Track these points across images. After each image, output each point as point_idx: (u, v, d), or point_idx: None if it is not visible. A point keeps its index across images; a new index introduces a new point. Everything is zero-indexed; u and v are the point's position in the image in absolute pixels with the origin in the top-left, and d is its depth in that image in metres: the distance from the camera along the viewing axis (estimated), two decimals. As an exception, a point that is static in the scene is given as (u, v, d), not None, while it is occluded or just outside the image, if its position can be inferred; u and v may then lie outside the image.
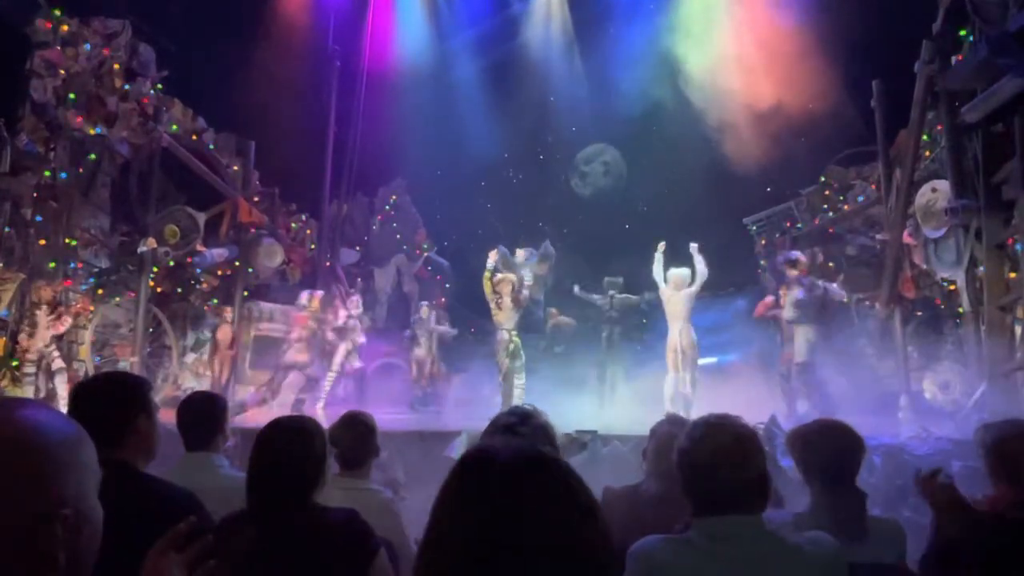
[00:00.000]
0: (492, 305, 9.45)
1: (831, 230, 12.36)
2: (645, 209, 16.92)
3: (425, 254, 16.08)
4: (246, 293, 12.42)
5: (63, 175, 9.68)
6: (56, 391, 8.97)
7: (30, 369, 9.07)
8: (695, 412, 6.59)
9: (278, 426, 2.15)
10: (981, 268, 8.34)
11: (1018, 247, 7.90)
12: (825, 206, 12.72)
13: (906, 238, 9.79)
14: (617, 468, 5.89)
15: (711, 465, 1.69)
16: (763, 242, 13.50)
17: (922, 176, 9.58)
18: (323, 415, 8.90)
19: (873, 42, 11.48)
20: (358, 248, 15.59)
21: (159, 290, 11.43)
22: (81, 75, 10.04)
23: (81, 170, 10.10)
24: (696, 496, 1.73)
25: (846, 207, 12.39)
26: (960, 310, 9.36)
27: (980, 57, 7.45)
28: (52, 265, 9.58)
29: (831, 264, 11.89)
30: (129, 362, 10.46)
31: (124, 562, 1.14)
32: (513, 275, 9.81)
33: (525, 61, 16.96)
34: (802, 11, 13.05)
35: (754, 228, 13.72)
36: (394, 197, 16.27)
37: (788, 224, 13.11)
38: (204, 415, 2.89)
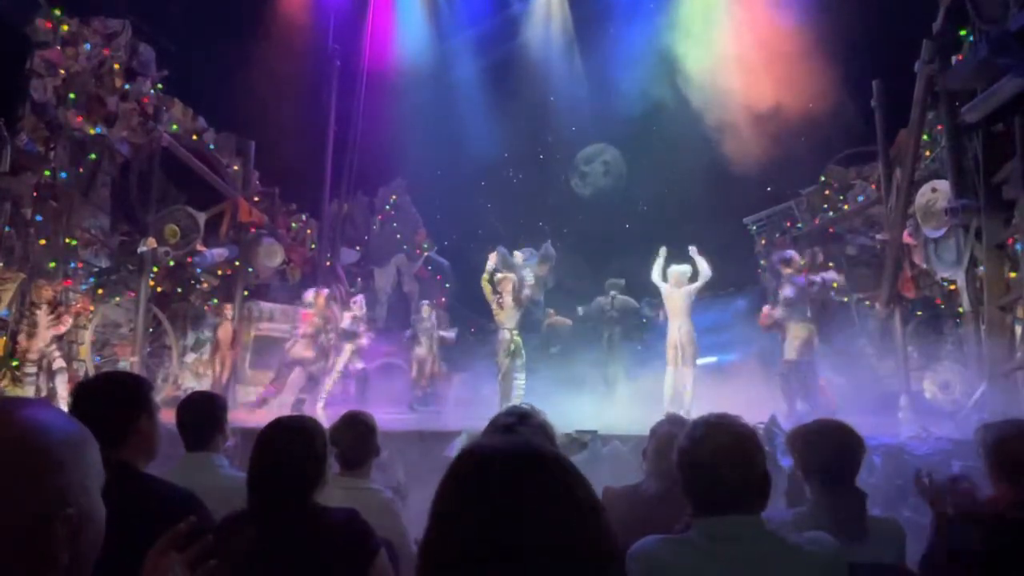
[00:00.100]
0: (493, 305, 9.52)
1: (831, 230, 12.36)
2: (645, 209, 16.92)
3: (425, 254, 16.08)
4: (246, 293, 12.42)
5: (63, 175, 9.69)
6: (56, 391, 8.97)
7: (31, 369, 9.08)
8: (695, 412, 6.58)
9: (279, 426, 2.15)
10: (981, 268, 8.34)
11: (1018, 247, 7.89)
12: (825, 206, 12.72)
13: (906, 238, 9.79)
14: (617, 468, 5.89)
15: (711, 465, 1.69)
16: (763, 242, 13.50)
17: (922, 176, 9.57)
18: (323, 415, 8.92)
19: (873, 42, 11.48)
20: (358, 248, 15.59)
21: (159, 290, 11.43)
22: (81, 75, 10.04)
23: (81, 170, 10.10)
24: (696, 496, 1.73)
25: (846, 207, 12.39)
26: (960, 310, 9.35)
27: (980, 57, 7.45)
28: (52, 265, 9.58)
29: (831, 264, 11.89)
30: (129, 362, 10.46)
31: (125, 562, 1.14)
32: (514, 274, 9.84)
33: (525, 61, 16.96)
34: (802, 11, 13.04)
35: (754, 228, 13.72)
36: (394, 197, 16.28)
37: (788, 224, 13.10)
38: (204, 415, 2.89)
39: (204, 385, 11.08)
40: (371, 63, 15.46)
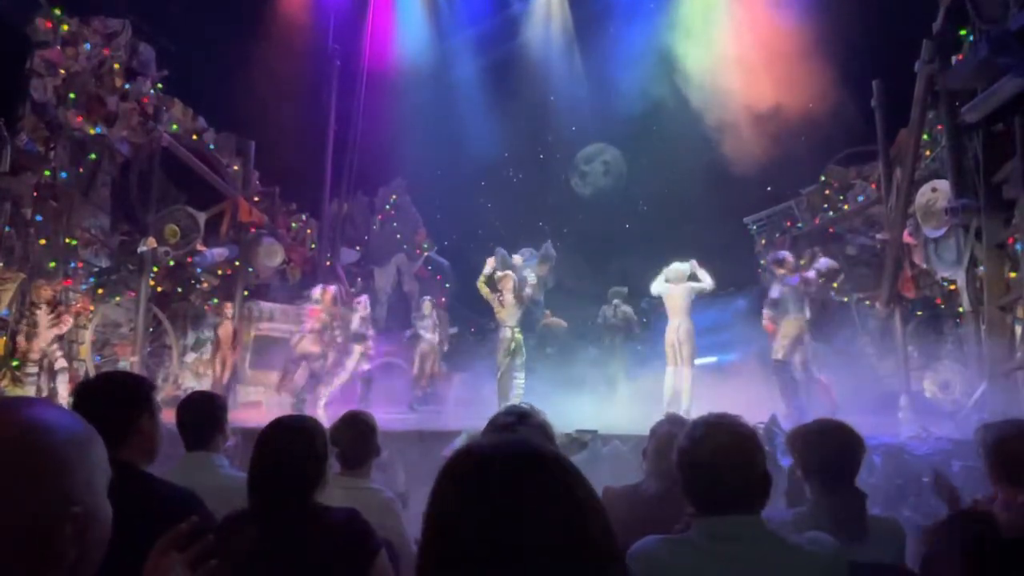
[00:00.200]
0: (495, 303, 9.59)
1: (831, 230, 12.36)
2: (645, 208, 16.93)
3: (425, 254, 16.08)
4: (246, 293, 12.42)
5: (63, 175, 9.69)
6: (58, 391, 8.98)
7: (32, 369, 9.08)
8: (695, 411, 6.58)
9: (279, 425, 2.15)
10: (981, 268, 8.34)
11: (1018, 247, 7.89)
12: (825, 205, 12.72)
13: (906, 238, 9.79)
14: (617, 468, 5.89)
15: (712, 465, 1.69)
16: (763, 242, 13.49)
17: (922, 175, 9.57)
18: (324, 415, 8.94)
19: (873, 42, 11.48)
20: (358, 248, 15.59)
21: (159, 290, 11.43)
22: (81, 75, 10.04)
23: (81, 170, 10.10)
24: (696, 496, 1.73)
25: (846, 207, 12.39)
26: (960, 310, 9.35)
27: (980, 56, 7.44)
28: (52, 265, 9.58)
29: (839, 270, 11.89)
30: (129, 362, 10.46)
31: (126, 561, 1.14)
32: (513, 272, 9.90)
33: (525, 61, 16.95)
34: (802, 11, 13.04)
35: (754, 228, 13.71)
36: (394, 197, 16.28)
37: (788, 224, 13.10)
38: (204, 415, 2.89)
39: (204, 385, 11.08)
40: (371, 63, 15.45)
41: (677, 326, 8.84)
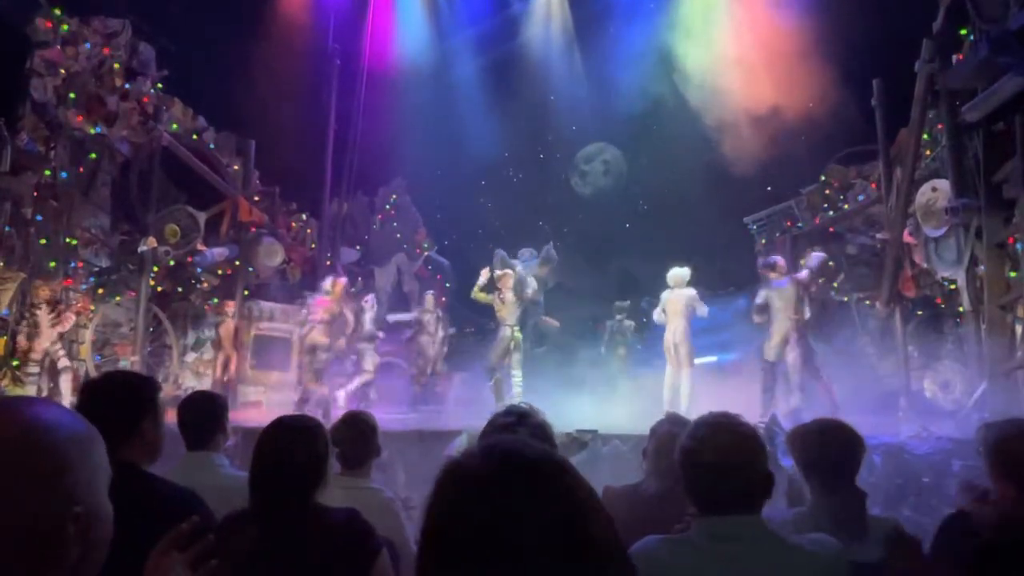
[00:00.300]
0: (495, 303, 9.69)
1: (831, 229, 12.35)
2: (645, 208, 16.93)
3: (425, 253, 16.08)
4: (246, 292, 12.42)
5: (63, 174, 9.69)
6: (60, 390, 8.99)
7: (34, 369, 9.09)
8: (695, 411, 6.58)
9: (280, 425, 2.15)
10: (981, 267, 8.34)
11: (1019, 246, 7.88)
12: (825, 205, 12.71)
13: (906, 237, 9.78)
14: (617, 467, 5.89)
15: (714, 464, 1.69)
16: (763, 241, 13.49)
17: (922, 175, 9.57)
18: (344, 403, 9.48)
19: (873, 42, 11.46)
20: (358, 247, 15.59)
21: (159, 289, 11.43)
22: (81, 74, 10.04)
23: (81, 169, 10.11)
24: (698, 496, 1.72)
25: (846, 206, 12.38)
26: (960, 309, 9.35)
27: (981, 56, 7.44)
28: (52, 264, 9.59)
29: (831, 263, 11.88)
30: (130, 361, 10.47)
31: (127, 561, 1.14)
32: (512, 271, 9.97)
33: (525, 60, 16.95)
34: (802, 11, 13.03)
35: (754, 227, 13.70)
36: (394, 196, 16.28)
37: (788, 223, 13.09)
38: (204, 414, 2.89)
39: (205, 384, 11.07)
40: (371, 63, 15.45)
41: (675, 328, 8.97)
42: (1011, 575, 1.88)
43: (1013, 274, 8.00)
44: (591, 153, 18.31)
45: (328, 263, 14.15)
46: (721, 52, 14.23)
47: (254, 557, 1.89)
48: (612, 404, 9.80)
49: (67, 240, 9.83)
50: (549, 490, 0.91)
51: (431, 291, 12.77)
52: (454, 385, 12.63)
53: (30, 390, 8.85)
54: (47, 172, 9.43)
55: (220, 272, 12.24)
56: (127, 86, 10.82)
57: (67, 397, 8.84)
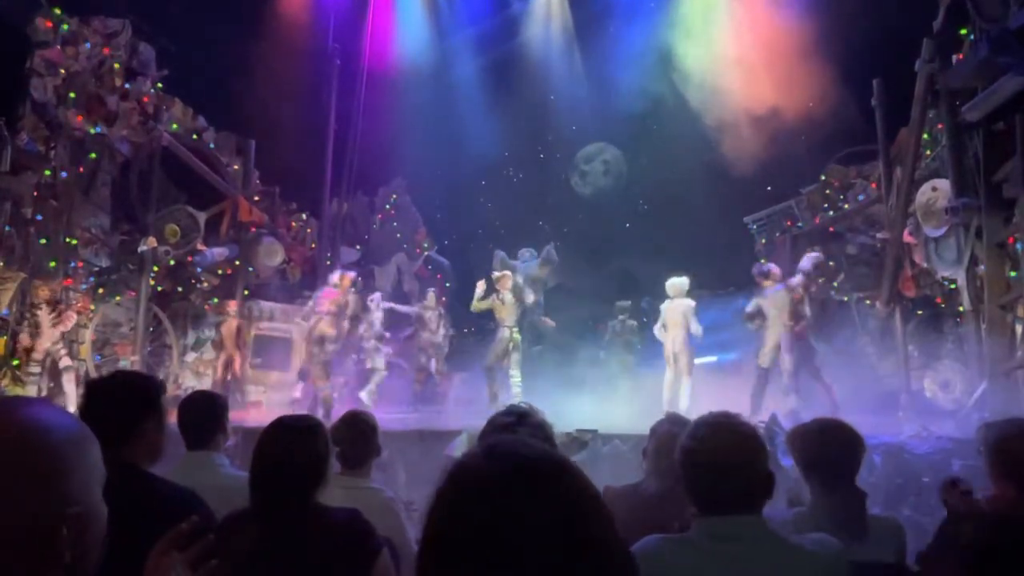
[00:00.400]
0: (495, 304, 9.74)
1: (832, 229, 12.35)
2: (645, 208, 16.92)
3: (425, 253, 16.08)
4: (246, 292, 12.42)
5: (63, 174, 9.70)
6: (63, 389, 9.00)
7: (35, 369, 9.10)
8: (695, 411, 6.58)
9: (281, 425, 2.15)
10: (982, 267, 8.34)
11: (1019, 246, 7.89)
12: (826, 205, 12.71)
13: (907, 237, 9.78)
14: (617, 467, 5.89)
15: (714, 464, 1.69)
16: (763, 241, 13.49)
17: (923, 175, 9.57)
18: (370, 401, 9.78)
19: (873, 41, 11.46)
20: (358, 247, 15.59)
21: (160, 289, 11.43)
22: (81, 74, 10.04)
23: (81, 169, 10.11)
24: (699, 495, 1.72)
25: (846, 206, 12.39)
26: (961, 309, 9.36)
27: (981, 55, 7.44)
28: (52, 264, 9.60)
29: (832, 263, 11.89)
30: (130, 361, 10.47)
31: (127, 561, 1.14)
32: (511, 272, 10.01)
33: (525, 60, 16.95)
34: (802, 11, 13.03)
35: (754, 227, 13.70)
36: (394, 196, 16.28)
37: (788, 223, 13.09)
38: (205, 414, 2.89)
39: (205, 384, 11.05)
40: (371, 63, 15.45)
41: (674, 337, 9.07)
42: (1012, 575, 1.88)
43: (1013, 274, 8.00)
44: (591, 153, 18.30)
45: (328, 263, 14.15)
46: (721, 52, 14.23)
47: (254, 557, 1.88)
48: (612, 404, 9.80)
49: (67, 240, 9.83)
50: (549, 490, 0.90)
51: (432, 289, 12.77)
52: (454, 385, 12.63)
53: (30, 390, 8.86)
54: (47, 172, 9.43)
55: (220, 272, 12.24)
56: (127, 86, 10.82)
57: (71, 397, 8.86)
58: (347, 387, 11.10)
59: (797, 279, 8.60)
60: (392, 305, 12.18)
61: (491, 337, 10.11)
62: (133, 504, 1.50)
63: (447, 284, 15.97)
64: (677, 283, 9.27)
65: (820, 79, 12.50)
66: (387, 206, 16.23)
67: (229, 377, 10.80)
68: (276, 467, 2.03)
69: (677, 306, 9.17)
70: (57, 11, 9.80)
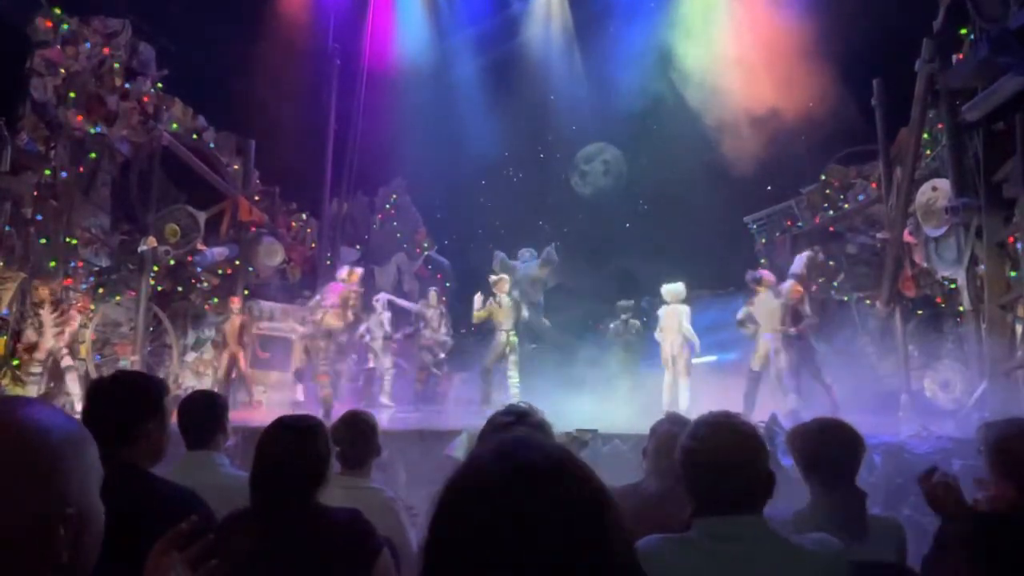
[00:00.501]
0: (493, 307, 9.86)
1: (832, 229, 12.35)
2: (645, 208, 16.91)
3: (425, 253, 16.08)
4: (247, 292, 12.41)
5: (63, 174, 9.70)
6: (66, 389, 9.01)
7: (36, 369, 9.10)
8: (695, 411, 6.58)
9: (281, 425, 2.15)
10: (982, 266, 8.34)
11: (1019, 245, 7.89)
12: (826, 204, 12.71)
13: (907, 237, 9.79)
14: (617, 467, 5.89)
15: (714, 464, 1.68)
16: (763, 241, 13.49)
17: (923, 174, 9.57)
18: (389, 401, 10.23)
19: (873, 41, 11.46)
20: (358, 247, 15.59)
21: (160, 289, 11.42)
22: (81, 74, 10.04)
23: (81, 169, 10.11)
24: (699, 495, 1.72)
25: (847, 206, 12.38)
26: (961, 308, 9.36)
27: (981, 55, 7.44)
28: (52, 264, 9.60)
29: (832, 263, 11.89)
30: (130, 361, 10.46)
31: (127, 561, 1.14)
32: (508, 276, 10.09)
33: (525, 60, 16.94)
34: (802, 10, 13.03)
35: (754, 227, 13.70)
36: (394, 196, 16.28)
37: (788, 223, 13.09)
38: (205, 414, 2.89)
39: (205, 384, 11.03)
40: (371, 63, 15.45)
41: (672, 341, 9.25)
42: (1011, 574, 1.88)
43: (1013, 273, 8.00)
44: (591, 153, 18.29)
45: (328, 263, 14.15)
46: (721, 52, 14.22)
47: (254, 557, 1.88)
48: (612, 404, 9.81)
49: (67, 240, 9.83)
50: (549, 491, 0.90)
51: (433, 288, 12.77)
52: (454, 385, 12.63)
53: (31, 390, 8.86)
54: (47, 172, 9.43)
55: (220, 272, 12.23)
56: (127, 86, 10.82)
57: (76, 396, 8.85)
58: (347, 387, 11.11)
59: (788, 284, 8.62)
60: (393, 298, 12.18)
61: (491, 337, 10.12)
62: (133, 504, 1.50)
63: (447, 284, 15.96)
64: (673, 289, 9.49)
65: (820, 79, 12.49)
66: (387, 206, 16.23)
67: (234, 375, 10.69)
68: (276, 467, 2.02)
69: (674, 311, 9.37)
70: (57, 11, 9.80)
